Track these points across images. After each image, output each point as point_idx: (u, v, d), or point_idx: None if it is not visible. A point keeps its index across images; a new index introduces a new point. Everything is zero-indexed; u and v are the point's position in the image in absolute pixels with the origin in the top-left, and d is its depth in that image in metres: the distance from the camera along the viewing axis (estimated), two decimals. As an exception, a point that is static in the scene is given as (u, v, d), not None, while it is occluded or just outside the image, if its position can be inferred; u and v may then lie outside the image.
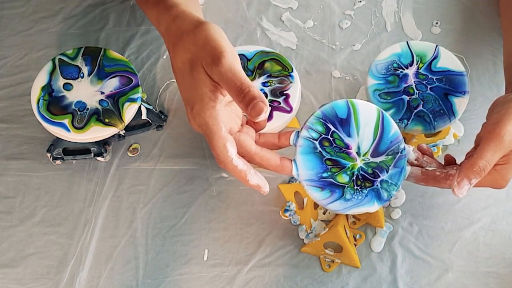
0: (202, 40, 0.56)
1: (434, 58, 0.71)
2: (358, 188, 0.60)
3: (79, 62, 0.73)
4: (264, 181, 0.58)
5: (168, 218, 0.70)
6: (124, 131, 0.71)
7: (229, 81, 0.54)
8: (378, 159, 0.60)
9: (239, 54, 0.71)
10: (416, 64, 0.71)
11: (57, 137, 0.70)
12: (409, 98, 0.69)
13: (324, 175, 0.59)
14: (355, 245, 0.68)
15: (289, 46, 0.81)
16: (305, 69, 0.79)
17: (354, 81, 0.78)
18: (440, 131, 0.70)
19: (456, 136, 0.73)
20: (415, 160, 0.61)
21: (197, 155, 0.74)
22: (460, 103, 0.68)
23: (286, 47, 0.81)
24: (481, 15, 0.83)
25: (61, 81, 0.71)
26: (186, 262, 0.68)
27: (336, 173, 0.60)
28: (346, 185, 0.59)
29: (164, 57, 0.80)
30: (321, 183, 0.59)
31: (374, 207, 0.60)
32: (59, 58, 0.73)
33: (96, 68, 0.72)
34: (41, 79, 0.71)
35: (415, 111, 0.68)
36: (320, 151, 0.59)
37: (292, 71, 0.71)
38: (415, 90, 0.69)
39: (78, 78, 0.71)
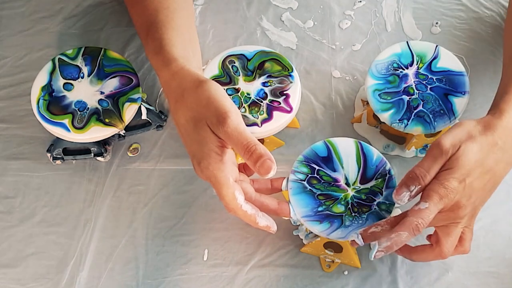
0: (205, 100, 0.58)
1: (434, 58, 0.71)
2: (356, 214, 0.62)
3: (79, 62, 0.73)
4: (271, 221, 0.61)
5: (168, 218, 0.70)
6: (124, 131, 0.71)
7: (236, 140, 0.57)
8: (368, 185, 0.63)
9: (239, 54, 0.72)
10: (416, 64, 0.71)
11: (57, 137, 0.70)
12: (409, 98, 0.69)
13: (320, 209, 0.62)
14: (355, 245, 0.68)
15: (289, 46, 0.81)
16: (305, 69, 0.79)
17: (354, 81, 0.78)
18: (440, 131, 0.70)
19: (456, 136, 0.73)
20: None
21: (197, 155, 0.74)
22: (460, 103, 0.68)
23: (286, 47, 0.81)
24: (481, 15, 0.83)
25: (61, 81, 0.71)
26: (186, 262, 0.68)
27: (331, 205, 0.62)
28: (344, 214, 0.62)
29: (164, 57, 0.80)
30: (318, 216, 0.62)
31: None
32: (59, 58, 0.73)
33: (96, 68, 0.72)
34: (41, 79, 0.71)
35: (415, 111, 0.68)
36: (310, 189, 0.63)
37: (292, 71, 0.71)
38: (415, 90, 0.69)
39: (78, 78, 0.71)
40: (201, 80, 0.60)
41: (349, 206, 0.62)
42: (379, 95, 0.69)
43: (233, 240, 0.69)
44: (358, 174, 0.64)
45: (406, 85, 0.70)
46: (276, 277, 0.67)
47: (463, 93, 0.69)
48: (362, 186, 0.63)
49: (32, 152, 0.75)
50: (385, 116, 0.68)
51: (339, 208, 0.62)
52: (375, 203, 0.62)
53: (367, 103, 0.72)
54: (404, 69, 0.70)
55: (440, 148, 0.57)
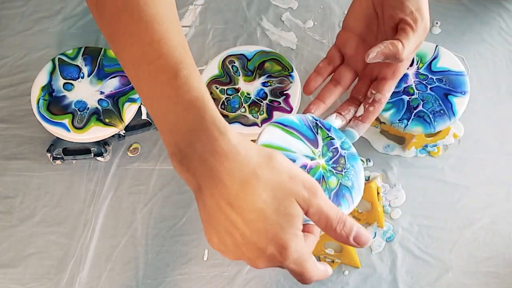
0: (287, 174, 0.49)
1: (434, 58, 0.71)
2: (339, 171, 0.60)
3: (79, 62, 0.73)
4: (327, 266, 0.55)
5: (168, 218, 0.70)
6: (124, 131, 0.71)
7: (329, 211, 0.50)
8: (320, 148, 0.60)
9: (239, 54, 0.72)
10: (416, 64, 0.71)
11: (57, 137, 0.70)
12: (409, 98, 0.69)
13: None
14: (355, 245, 0.68)
15: (289, 46, 0.81)
16: (305, 69, 0.79)
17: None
18: (440, 131, 0.70)
19: (456, 136, 0.73)
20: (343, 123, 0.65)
21: (197, 155, 0.74)
22: (460, 103, 0.68)
23: (286, 47, 0.81)
24: (481, 15, 0.83)
25: (61, 81, 0.71)
26: (186, 262, 0.68)
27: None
28: (339, 182, 0.59)
29: (164, 57, 0.80)
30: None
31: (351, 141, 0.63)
32: (59, 58, 0.73)
33: (96, 68, 0.72)
34: (41, 79, 0.71)
35: (415, 111, 0.68)
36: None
37: (292, 71, 0.71)
38: (415, 90, 0.69)
39: (78, 78, 0.71)
40: (269, 151, 0.50)
41: (331, 171, 0.59)
42: None
43: (233, 240, 0.69)
44: (309, 147, 0.60)
45: (406, 85, 0.70)
46: (276, 277, 0.67)
47: (463, 93, 0.69)
48: (322, 151, 0.60)
49: (32, 152, 0.75)
50: (385, 116, 0.68)
51: (331, 182, 0.59)
52: (340, 149, 0.61)
53: (367, 103, 0.72)
54: None
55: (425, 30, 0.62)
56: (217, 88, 0.70)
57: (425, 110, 0.68)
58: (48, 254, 0.69)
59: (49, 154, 0.73)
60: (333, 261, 0.67)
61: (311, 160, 0.59)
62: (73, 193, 0.72)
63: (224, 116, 0.67)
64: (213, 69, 0.71)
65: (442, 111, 0.68)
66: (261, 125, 0.67)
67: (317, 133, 0.61)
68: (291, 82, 0.70)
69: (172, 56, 0.50)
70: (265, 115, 0.68)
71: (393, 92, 0.69)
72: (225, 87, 0.70)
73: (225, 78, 0.70)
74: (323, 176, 0.59)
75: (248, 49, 0.73)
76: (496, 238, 0.68)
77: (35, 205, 0.72)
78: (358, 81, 0.67)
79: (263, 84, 0.70)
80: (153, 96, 0.50)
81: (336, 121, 0.64)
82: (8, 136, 0.76)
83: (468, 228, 0.69)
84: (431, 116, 0.68)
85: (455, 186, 0.71)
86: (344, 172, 0.60)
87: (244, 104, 0.69)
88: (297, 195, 0.49)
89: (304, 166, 0.58)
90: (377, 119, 0.73)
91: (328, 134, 0.62)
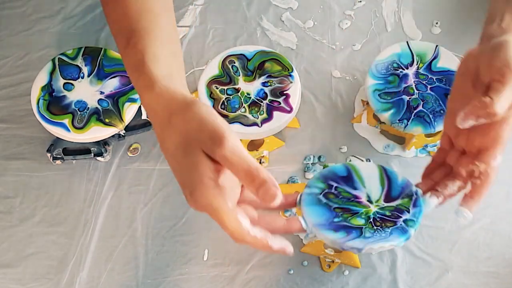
0: (196, 123, 0.52)
1: (434, 58, 0.71)
2: (378, 228, 0.56)
3: (79, 62, 0.73)
4: (286, 242, 0.55)
5: (168, 218, 0.70)
6: (124, 131, 0.71)
7: (235, 164, 0.50)
8: (394, 203, 0.58)
9: (239, 54, 0.72)
10: (416, 64, 0.71)
11: (57, 137, 0.70)
12: (409, 98, 0.69)
13: (336, 220, 0.56)
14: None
15: (289, 46, 0.81)
16: (305, 69, 0.79)
17: (354, 81, 0.78)
18: (440, 131, 0.70)
19: (456, 136, 0.73)
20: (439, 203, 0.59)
21: (197, 155, 0.74)
22: None
23: (286, 47, 0.81)
24: (481, 15, 0.82)
25: (61, 81, 0.71)
26: (186, 262, 0.68)
27: (349, 218, 0.57)
28: (364, 226, 0.56)
29: (164, 57, 0.80)
30: (334, 226, 0.56)
31: (399, 241, 0.56)
32: (59, 58, 0.73)
33: (96, 68, 0.72)
34: (41, 79, 0.71)
35: (415, 111, 0.68)
36: (326, 202, 0.57)
37: (292, 71, 0.71)
38: (415, 90, 0.69)
39: (78, 78, 0.71)
40: (189, 102, 0.54)
41: (371, 220, 0.56)
42: (379, 95, 0.69)
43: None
44: (382, 193, 0.59)
45: (406, 85, 0.70)
46: (276, 277, 0.67)
47: None
48: (386, 204, 0.58)
49: (32, 152, 0.75)
50: (385, 116, 0.68)
51: (358, 221, 0.56)
52: (401, 219, 0.57)
53: (367, 103, 0.72)
54: (404, 69, 0.71)
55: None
56: (217, 88, 0.70)
57: (425, 110, 0.68)
58: (48, 254, 0.69)
59: (49, 154, 0.73)
60: (333, 261, 0.67)
61: (367, 201, 0.58)
62: (73, 193, 0.72)
63: (224, 116, 0.67)
64: (213, 69, 0.71)
65: (442, 111, 0.68)
66: (261, 125, 0.67)
67: (402, 198, 0.58)
68: (291, 82, 0.70)
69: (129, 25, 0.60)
70: (265, 115, 0.68)
71: (393, 92, 0.69)
72: (225, 87, 0.70)
73: (225, 78, 0.70)
74: (360, 214, 0.57)
75: (248, 49, 0.73)
76: (496, 238, 0.68)
77: (35, 205, 0.72)
78: (462, 157, 0.61)
79: (263, 84, 0.70)
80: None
81: (430, 200, 0.58)
82: (8, 136, 0.76)
83: (468, 228, 0.69)
84: (431, 116, 0.68)
85: (455, 186, 0.71)
86: (375, 230, 0.56)
87: (244, 104, 0.69)
88: (202, 144, 0.51)
89: (356, 196, 0.58)
90: (377, 119, 0.73)
91: (410, 200, 0.58)
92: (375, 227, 0.56)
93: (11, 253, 0.69)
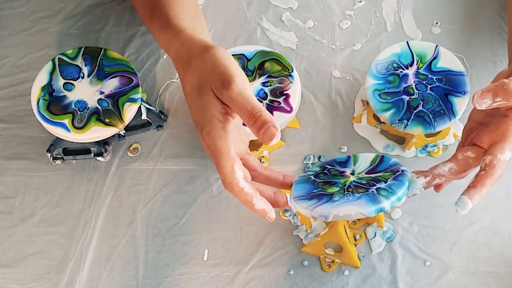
0: (211, 65, 0.57)
1: (434, 58, 0.71)
2: (348, 192, 0.58)
3: (79, 62, 0.73)
4: (270, 207, 0.58)
5: (168, 218, 0.70)
6: (124, 131, 0.71)
7: (240, 106, 0.54)
8: (373, 175, 0.60)
9: (239, 54, 0.72)
10: (416, 64, 0.71)
11: (57, 137, 0.70)
12: (409, 98, 0.69)
13: (315, 191, 0.60)
14: (355, 245, 0.68)
15: (289, 46, 0.81)
16: (305, 69, 0.79)
17: (354, 81, 0.78)
18: (440, 131, 0.70)
19: (456, 136, 0.73)
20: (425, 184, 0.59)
21: (197, 155, 0.74)
22: (460, 103, 0.68)
23: (286, 47, 0.81)
24: (481, 15, 0.83)
25: (61, 81, 0.71)
26: (186, 262, 0.68)
27: (327, 188, 0.59)
28: (335, 192, 0.59)
29: (164, 57, 0.80)
30: (310, 196, 0.59)
31: (368, 209, 0.55)
32: (59, 58, 0.73)
33: (96, 68, 0.72)
34: (41, 79, 0.71)
35: (415, 111, 0.68)
36: (314, 179, 0.61)
37: (292, 71, 0.71)
38: (415, 90, 0.69)
39: (78, 78, 0.71)
40: (209, 46, 0.59)
41: (345, 187, 0.59)
42: (379, 95, 0.69)
43: (233, 240, 0.69)
44: (367, 168, 0.62)
45: (406, 85, 0.70)
46: (276, 277, 0.67)
47: (463, 93, 0.69)
48: (366, 175, 0.61)
49: (32, 152, 0.75)
50: (385, 116, 0.68)
51: (333, 189, 0.59)
52: (374, 187, 0.57)
53: (367, 103, 0.72)
54: (404, 69, 0.71)
55: None
56: (217, 88, 0.70)
57: (425, 110, 0.68)
58: (48, 254, 0.69)
59: (49, 154, 0.73)
60: (333, 261, 0.67)
61: (350, 173, 0.61)
62: (73, 193, 0.72)
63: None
64: (213, 69, 0.71)
65: (442, 111, 0.68)
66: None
67: (385, 172, 0.60)
68: (291, 82, 0.70)
69: None
70: (265, 115, 0.68)
71: (393, 92, 0.69)
72: (225, 87, 0.70)
73: (225, 78, 0.70)
74: (338, 183, 0.60)
75: (248, 49, 0.73)
76: (496, 238, 0.68)
77: (35, 205, 0.72)
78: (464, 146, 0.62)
79: (263, 84, 0.70)
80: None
81: (418, 180, 0.57)
82: (8, 136, 0.76)
83: (468, 228, 0.69)
84: (431, 116, 0.68)
85: (455, 186, 0.71)
86: (345, 194, 0.57)
87: (244, 104, 0.69)
88: (212, 85, 0.56)
89: (342, 172, 0.62)
90: (377, 119, 0.73)
91: (392, 173, 0.58)
92: (346, 193, 0.57)
93: (11, 253, 0.69)
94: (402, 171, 0.59)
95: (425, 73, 0.70)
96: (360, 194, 0.56)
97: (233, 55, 0.71)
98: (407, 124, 0.67)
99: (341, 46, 0.81)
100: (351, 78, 0.78)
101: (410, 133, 0.69)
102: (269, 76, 0.71)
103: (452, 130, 0.72)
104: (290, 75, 0.71)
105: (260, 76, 0.71)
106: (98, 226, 0.70)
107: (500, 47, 0.80)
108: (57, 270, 0.68)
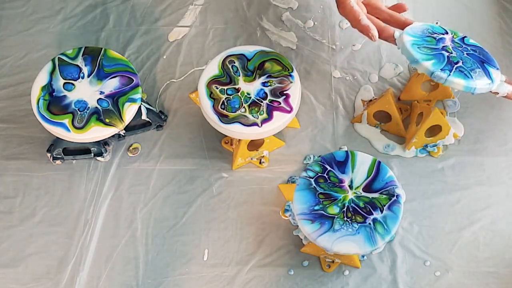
0: None
1: (465, 36, 0.71)
2: (348, 220, 0.61)
3: (79, 62, 0.73)
4: (373, 26, 0.64)
5: (168, 218, 0.70)
6: (124, 131, 0.71)
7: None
8: (370, 195, 0.62)
9: (239, 54, 0.72)
10: (451, 34, 0.71)
11: (57, 137, 0.70)
12: (449, 54, 0.67)
13: (316, 208, 0.61)
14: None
15: (289, 46, 0.81)
16: (305, 69, 0.79)
17: (354, 81, 0.78)
18: (440, 131, 0.70)
19: (456, 136, 0.73)
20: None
21: (197, 155, 0.74)
22: (495, 74, 0.67)
23: (286, 47, 0.81)
24: (481, 15, 0.83)
25: (61, 81, 0.71)
26: (186, 262, 0.68)
27: (327, 205, 0.61)
28: (336, 216, 0.61)
29: (164, 57, 0.80)
30: (312, 215, 0.61)
31: (365, 249, 0.60)
32: (59, 58, 0.73)
33: (96, 68, 0.72)
34: (41, 79, 0.71)
35: (456, 65, 0.66)
36: (314, 187, 0.63)
37: (292, 71, 0.71)
38: (453, 51, 0.68)
39: (78, 78, 0.71)
40: None
41: (344, 209, 0.61)
42: (418, 47, 0.67)
43: (233, 240, 0.69)
44: (364, 181, 0.63)
45: (443, 44, 0.68)
46: (276, 277, 0.67)
47: (496, 67, 0.68)
48: (363, 193, 0.62)
49: (32, 152, 0.75)
50: (426, 65, 0.65)
51: (334, 210, 0.61)
52: (371, 217, 0.61)
53: (367, 103, 0.72)
54: (439, 35, 0.70)
55: None
56: (217, 88, 0.70)
57: (465, 67, 0.66)
58: (48, 254, 0.69)
59: (49, 154, 0.73)
60: (333, 261, 0.67)
61: (348, 186, 0.63)
62: (73, 193, 0.72)
63: (224, 116, 0.67)
64: (213, 69, 0.71)
65: (481, 73, 0.66)
66: (261, 125, 0.67)
67: (381, 193, 0.62)
68: (291, 82, 0.70)
69: None
70: (265, 115, 0.68)
71: (431, 47, 0.67)
72: (225, 87, 0.70)
73: (225, 78, 0.70)
74: (338, 201, 0.63)
75: (248, 49, 0.73)
76: (496, 238, 0.68)
77: (35, 205, 0.72)
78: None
79: (263, 84, 0.70)
80: None
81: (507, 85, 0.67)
82: (8, 136, 0.76)
83: (468, 228, 0.69)
84: (471, 73, 0.66)
85: (455, 186, 0.71)
86: (345, 222, 0.61)
87: (244, 104, 0.69)
88: None
89: (341, 181, 0.63)
90: (377, 119, 0.73)
91: (388, 199, 0.62)
92: (345, 219, 0.61)
93: (11, 253, 0.69)
94: (397, 196, 0.62)
95: (460, 43, 0.70)
96: (359, 226, 0.60)
97: (233, 55, 0.72)
98: (450, 74, 0.64)
99: (341, 46, 0.81)
100: (351, 78, 0.78)
101: (450, 86, 0.65)
102: (269, 76, 0.71)
103: (452, 130, 0.72)
104: (290, 75, 0.71)
105: (260, 76, 0.71)
106: (98, 226, 0.70)
107: (500, 47, 0.80)
108: (57, 270, 0.68)
